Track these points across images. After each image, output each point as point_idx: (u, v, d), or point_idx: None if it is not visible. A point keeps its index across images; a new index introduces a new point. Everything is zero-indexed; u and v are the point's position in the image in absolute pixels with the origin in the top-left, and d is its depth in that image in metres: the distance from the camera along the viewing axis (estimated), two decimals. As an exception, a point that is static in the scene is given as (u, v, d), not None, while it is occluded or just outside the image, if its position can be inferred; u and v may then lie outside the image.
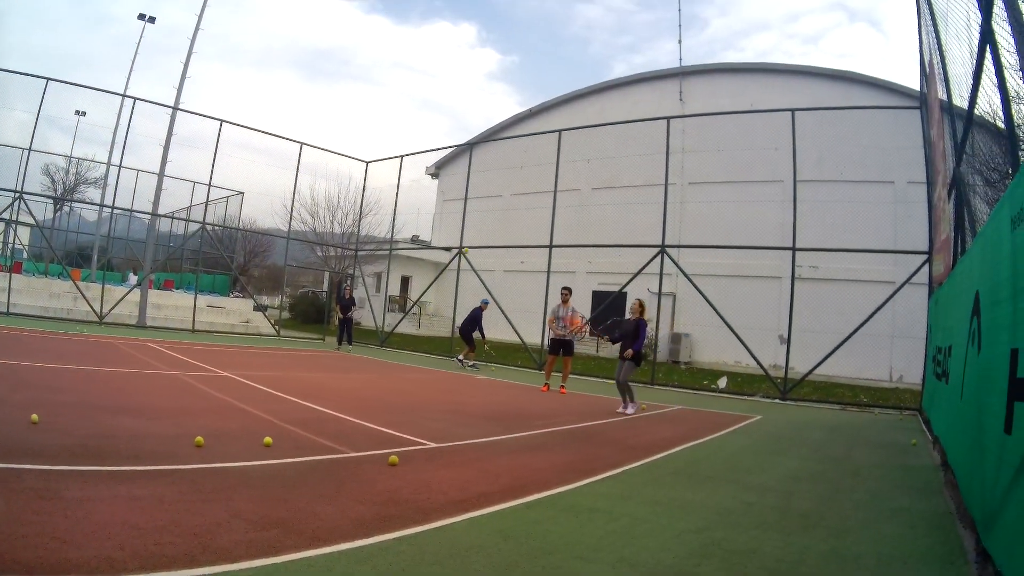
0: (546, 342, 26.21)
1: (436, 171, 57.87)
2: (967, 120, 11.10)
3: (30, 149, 29.70)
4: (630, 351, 15.82)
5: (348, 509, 6.00)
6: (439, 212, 55.60)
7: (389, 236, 40.92)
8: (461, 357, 27.31)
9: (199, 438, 8.01)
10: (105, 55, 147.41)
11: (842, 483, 9.26)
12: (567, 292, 20.74)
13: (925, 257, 20.58)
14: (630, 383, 16.25)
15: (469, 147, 41.12)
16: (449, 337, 35.13)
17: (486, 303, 27.95)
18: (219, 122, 33.32)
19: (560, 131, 30.80)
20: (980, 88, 9.44)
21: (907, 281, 21.48)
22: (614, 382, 16.61)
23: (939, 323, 13.95)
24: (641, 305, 16.20)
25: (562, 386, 20.14)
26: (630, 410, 15.84)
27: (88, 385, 12.30)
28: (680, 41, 48.27)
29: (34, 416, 8.13)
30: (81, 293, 31.18)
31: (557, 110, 51.84)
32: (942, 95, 14.29)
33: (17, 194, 29.89)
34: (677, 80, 46.36)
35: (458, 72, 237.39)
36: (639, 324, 16.04)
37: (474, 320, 27.33)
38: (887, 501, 8.27)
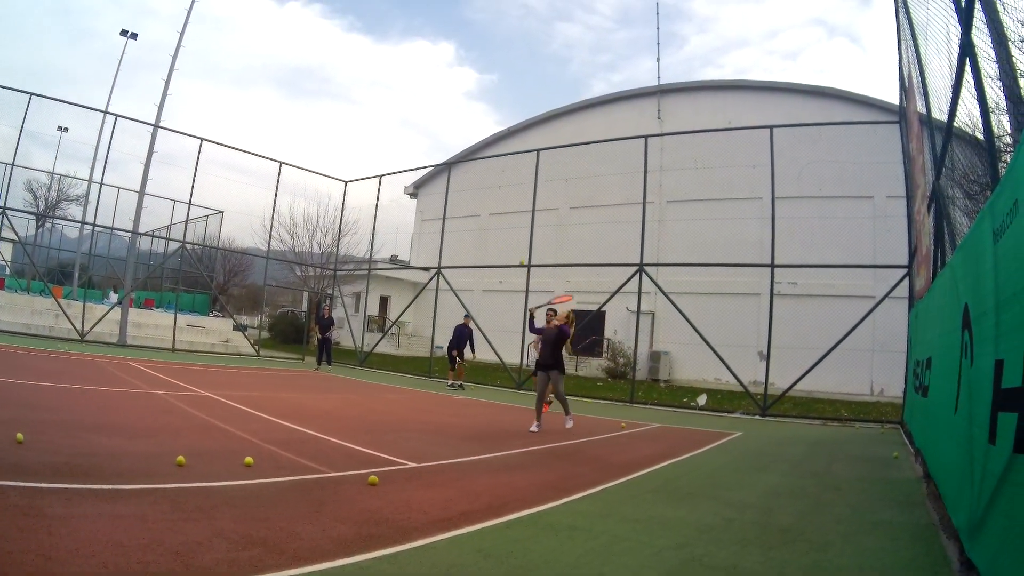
0: (526, 362, 26.83)
1: (415, 191, 57.91)
2: (946, 133, 11.19)
3: (13, 164, 29.71)
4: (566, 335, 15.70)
5: (329, 528, 6.02)
6: (417, 232, 55.67)
7: (368, 256, 40.89)
8: (451, 382, 27.47)
9: (180, 457, 8.01)
10: (87, 70, 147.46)
11: (823, 497, 9.28)
12: (553, 314, 20.55)
13: (905, 271, 20.82)
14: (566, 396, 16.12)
15: (447, 167, 41.19)
16: (428, 357, 35.03)
17: (468, 317, 27.98)
18: (199, 140, 33.46)
19: (538, 150, 30.95)
20: (960, 100, 9.51)
21: (887, 295, 21.67)
22: (535, 397, 16.08)
23: (918, 336, 14.02)
24: (566, 315, 16.01)
25: (546, 403, 20.09)
26: (569, 424, 15.69)
27: (70, 403, 12.27)
28: (658, 59, 48.57)
29: (19, 435, 8.10)
30: (63, 311, 31.17)
31: (535, 129, 52.30)
32: (921, 109, 14.41)
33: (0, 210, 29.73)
34: (655, 98, 46.75)
35: (436, 91, 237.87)
36: (560, 331, 15.71)
37: (462, 337, 27.19)
38: (868, 514, 8.29)
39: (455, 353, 27.15)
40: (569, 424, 15.60)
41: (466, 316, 27.99)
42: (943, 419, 7.78)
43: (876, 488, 10.23)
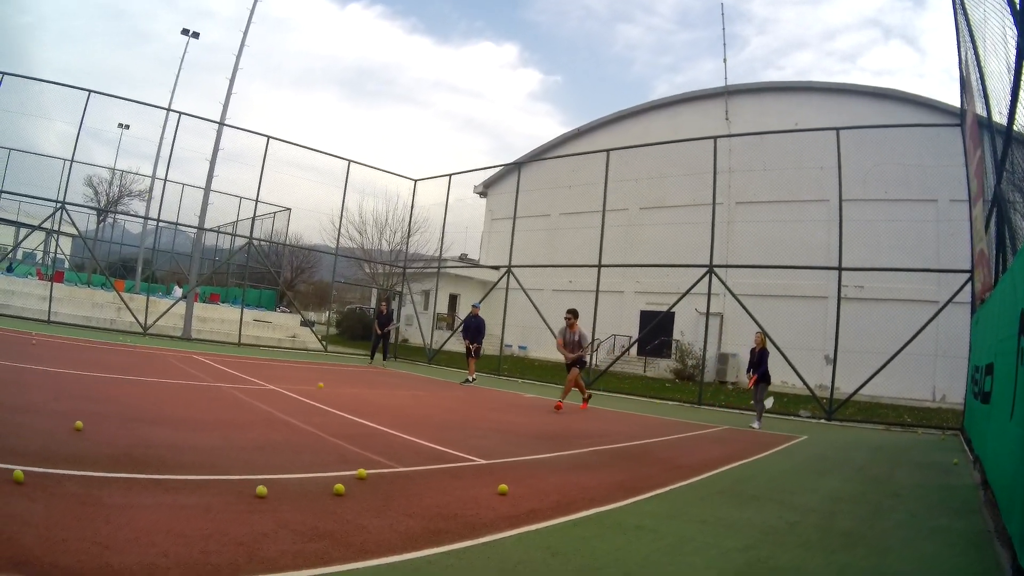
0: (596, 363, 27.52)
1: (484, 190, 58.46)
2: (1006, 136, 10.98)
3: (72, 160, 29.65)
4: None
5: (397, 523, 5.97)
6: (487, 231, 56.34)
7: (437, 254, 41.05)
8: (471, 377, 26.68)
9: (78, 422, 8.18)
10: (144, 72, 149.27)
11: (883, 503, 9.21)
12: (572, 316, 20.16)
13: (968, 276, 20.49)
14: (764, 404, 19.18)
15: (517, 166, 41.35)
16: (497, 355, 35.00)
17: (476, 307, 27.91)
18: (266, 138, 33.57)
19: (608, 151, 30.71)
20: (1019, 103, 9.33)
21: (950, 300, 21.35)
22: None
23: (979, 342, 13.83)
24: (760, 338, 19.33)
25: (585, 400, 20.41)
26: (755, 424, 18.83)
27: (132, 395, 12.29)
28: (724, 60, 48.80)
29: (78, 423, 8.13)
30: (125, 304, 31.36)
31: (604, 130, 52.76)
32: (981, 111, 14.15)
33: (59, 204, 30.08)
34: (722, 99, 47.17)
35: (501, 92, 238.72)
36: (761, 353, 19.04)
37: (479, 329, 27.06)
38: (927, 520, 8.24)
39: (469, 345, 26.81)
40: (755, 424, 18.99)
41: (475, 307, 27.81)
42: (998, 425, 7.68)
43: (935, 494, 10.17)
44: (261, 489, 6.47)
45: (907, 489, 10.46)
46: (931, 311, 21.95)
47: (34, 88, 28.88)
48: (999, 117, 11.73)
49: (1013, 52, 8.90)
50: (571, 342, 19.74)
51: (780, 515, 7.86)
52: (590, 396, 20.49)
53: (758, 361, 19.01)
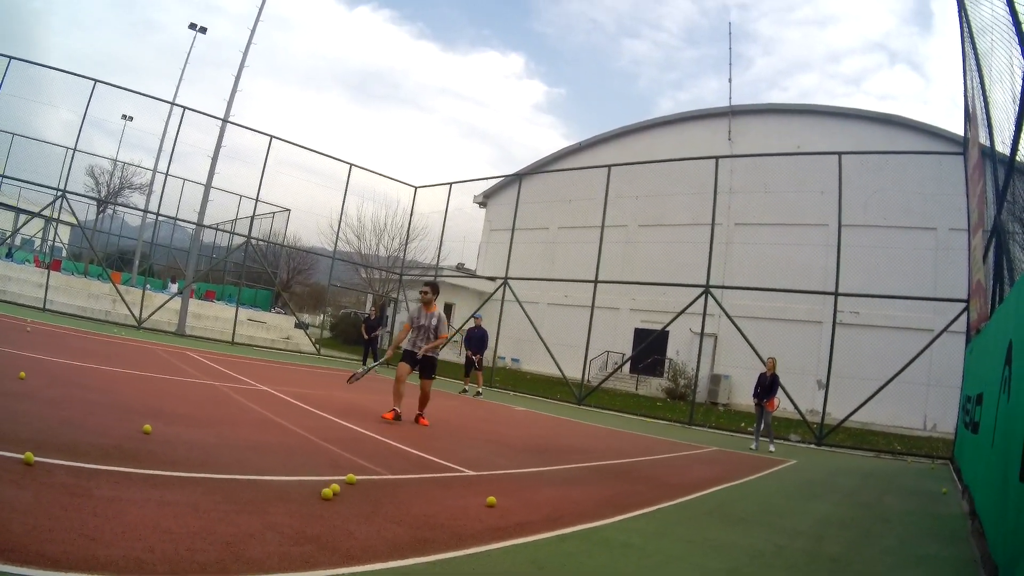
0: (588, 378, 27.57)
1: (484, 200, 58.53)
2: (1009, 167, 10.99)
3: (75, 149, 29.66)
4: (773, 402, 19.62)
5: (383, 530, 5.96)
6: (485, 241, 56.21)
7: (434, 262, 40.87)
8: (466, 387, 26.53)
9: (147, 425, 8.23)
10: (149, 62, 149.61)
11: (872, 529, 9.27)
12: (430, 292, 14.20)
13: (964, 305, 20.50)
14: (764, 426, 19.76)
15: (518, 178, 41.37)
16: (489, 367, 34.53)
17: (478, 318, 27.66)
18: (269, 138, 33.60)
19: (610, 166, 30.77)
20: (1023, 134, 9.33)
21: (944, 330, 21.40)
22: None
23: (972, 372, 13.91)
24: (773, 364, 19.74)
25: (420, 416, 14.43)
26: (770, 447, 19.40)
27: (125, 387, 12.30)
28: (730, 80, 49.17)
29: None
30: (121, 296, 31.33)
31: (607, 145, 52.82)
32: (984, 140, 14.18)
33: (59, 192, 30.05)
34: (726, 119, 47.27)
35: (505, 102, 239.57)
36: (772, 379, 19.52)
37: (483, 340, 26.79)
38: (915, 548, 8.33)
39: (472, 355, 26.39)
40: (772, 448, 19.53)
41: (477, 317, 27.52)
42: (985, 455, 7.82)
43: (924, 522, 10.28)
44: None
45: (896, 516, 10.55)
46: (926, 339, 22.07)
47: (40, 74, 28.94)
48: (1002, 147, 11.75)
49: (1020, 82, 8.91)
50: (426, 328, 14.14)
51: (767, 538, 7.89)
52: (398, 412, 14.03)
53: (769, 386, 19.36)
